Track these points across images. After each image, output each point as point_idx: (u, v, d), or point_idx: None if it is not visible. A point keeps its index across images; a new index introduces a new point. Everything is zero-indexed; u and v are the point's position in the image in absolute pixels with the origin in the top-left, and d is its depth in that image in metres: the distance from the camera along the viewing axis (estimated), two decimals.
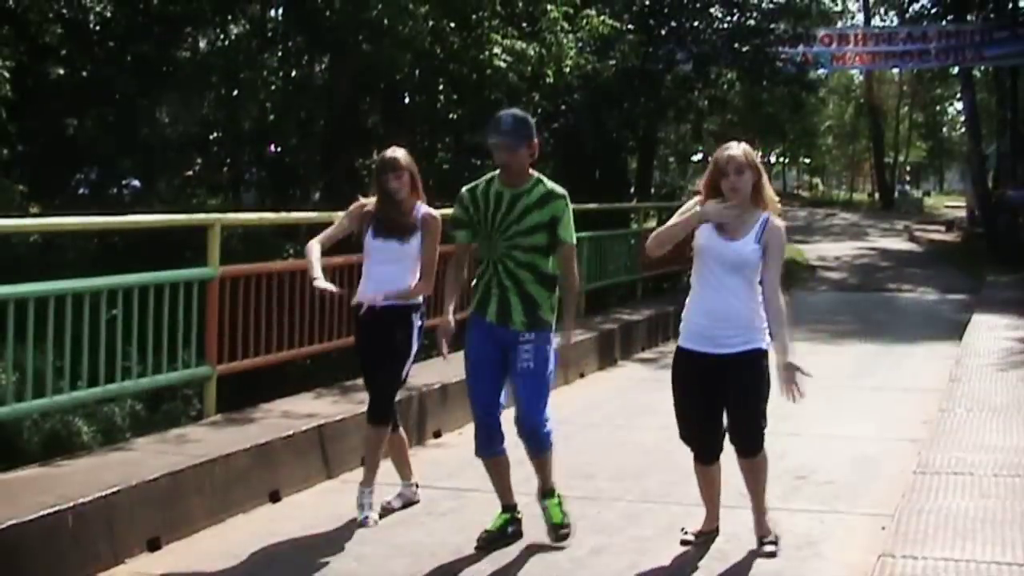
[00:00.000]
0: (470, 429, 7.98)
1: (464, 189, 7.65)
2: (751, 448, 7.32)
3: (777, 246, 7.15)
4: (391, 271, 8.15)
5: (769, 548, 7.37)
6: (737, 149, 7.09)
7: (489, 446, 7.63)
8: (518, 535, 7.68)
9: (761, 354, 7.20)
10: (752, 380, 7.19)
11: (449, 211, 8.00)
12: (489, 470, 7.74)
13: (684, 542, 7.53)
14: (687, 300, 7.36)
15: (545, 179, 7.61)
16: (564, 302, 7.76)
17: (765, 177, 7.20)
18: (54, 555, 6.68)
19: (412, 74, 18.97)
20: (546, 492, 7.77)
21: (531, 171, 7.56)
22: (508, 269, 7.46)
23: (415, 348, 8.32)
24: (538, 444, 7.62)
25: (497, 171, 7.56)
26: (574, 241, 7.62)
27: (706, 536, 7.58)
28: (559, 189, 7.58)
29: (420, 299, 8.35)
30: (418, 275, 8.21)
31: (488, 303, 7.52)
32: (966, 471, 8.50)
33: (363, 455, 8.45)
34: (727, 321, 7.13)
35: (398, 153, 8.27)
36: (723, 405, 7.28)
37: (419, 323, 8.30)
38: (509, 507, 7.76)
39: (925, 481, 8.23)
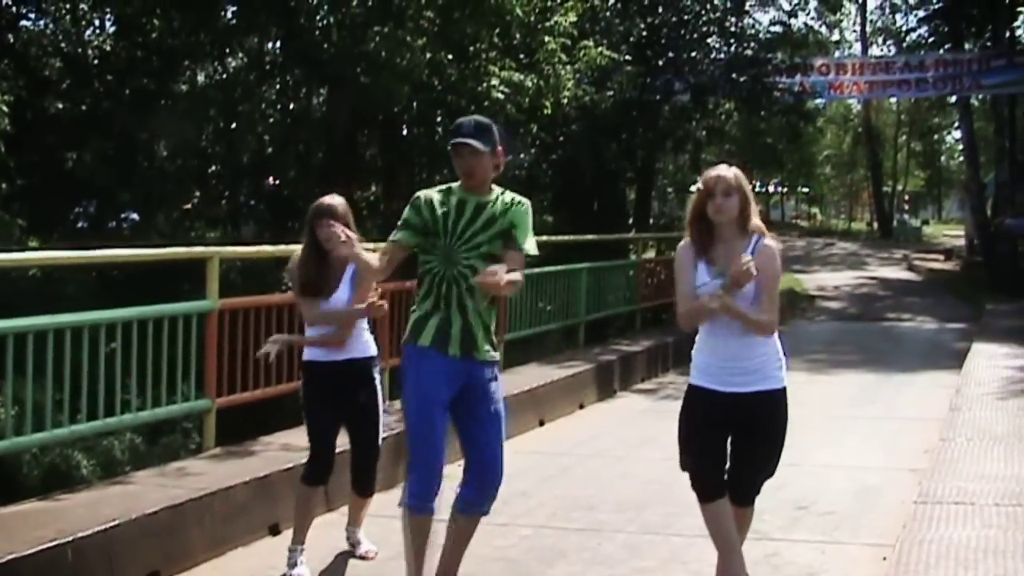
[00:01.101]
0: None
1: (421, 193, 6.78)
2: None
3: (770, 271, 6.58)
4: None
5: None
6: (727, 171, 6.67)
7: (430, 500, 6.62)
8: None
9: (781, 393, 6.75)
10: (772, 420, 6.74)
11: None
12: (419, 534, 6.65)
13: None
14: (696, 337, 6.88)
15: (513, 194, 6.82)
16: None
17: (754, 205, 6.70)
18: None
19: (410, 106, 19.00)
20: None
21: (493, 186, 6.75)
22: (469, 286, 6.51)
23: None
24: (491, 502, 6.74)
25: (456, 183, 6.76)
26: (531, 251, 6.71)
27: None
28: (521, 198, 6.82)
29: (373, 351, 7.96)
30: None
31: (448, 332, 6.57)
32: (967, 501, 8.48)
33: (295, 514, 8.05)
34: (735, 364, 6.66)
35: (336, 200, 7.72)
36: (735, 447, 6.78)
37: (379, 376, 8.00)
38: None
39: (926, 511, 8.21)
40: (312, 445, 7.90)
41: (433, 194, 6.68)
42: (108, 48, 21.09)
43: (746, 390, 6.63)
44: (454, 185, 6.71)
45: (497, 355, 6.77)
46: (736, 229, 6.64)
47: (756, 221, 6.72)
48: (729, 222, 6.63)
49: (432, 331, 6.58)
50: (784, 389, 6.71)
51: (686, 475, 7.50)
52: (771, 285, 6.62)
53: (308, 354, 7.88)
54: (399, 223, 6.68)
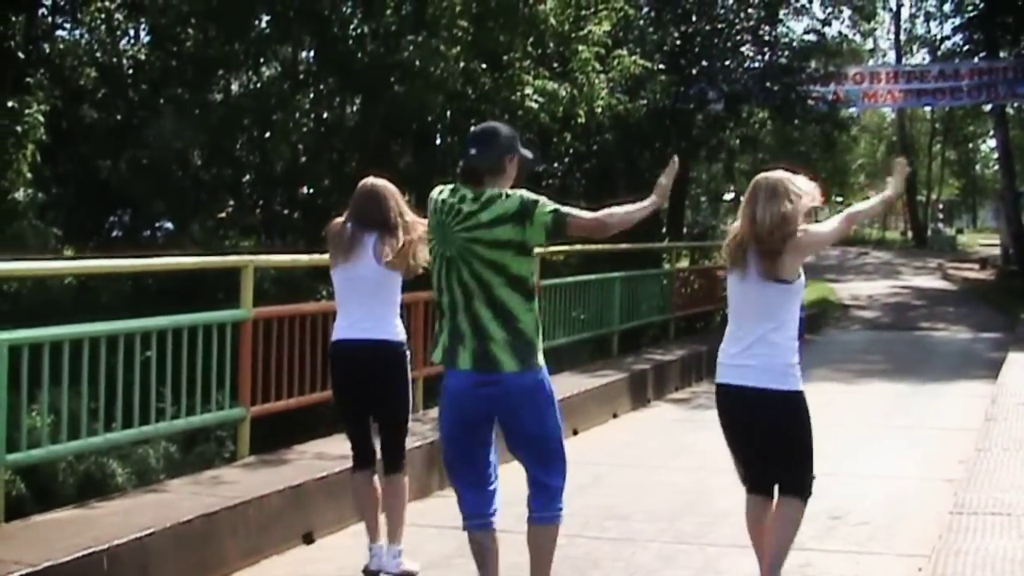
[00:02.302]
0: None
1: (438, 190, 6.60)
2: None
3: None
4: None
5: None
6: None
7: (482, 516, 6.56)
8: None
9: (787, 396, 6.77)
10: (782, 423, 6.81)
11: None
12: (478, 551, 6.60)
13: None
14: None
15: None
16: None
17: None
18: None
19: (444, 115, 18.99)
20: None
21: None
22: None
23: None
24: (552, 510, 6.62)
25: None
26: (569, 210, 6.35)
27: None
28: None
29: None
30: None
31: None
32: (1004, 511, 8.43)
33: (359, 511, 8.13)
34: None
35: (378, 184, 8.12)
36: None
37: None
38: None
39: (962, 521, 8.16)
40: (346, 430, 7.99)
41: (446, 192, 6.53)
42: (143, 58, 21.15)
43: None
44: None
45: (529, 362, 6.37)
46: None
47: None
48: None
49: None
50: (786, 392, 6.73)
51: (719, 484, 7.50)
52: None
53: (337, 333, 7.85)
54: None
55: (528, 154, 6.65)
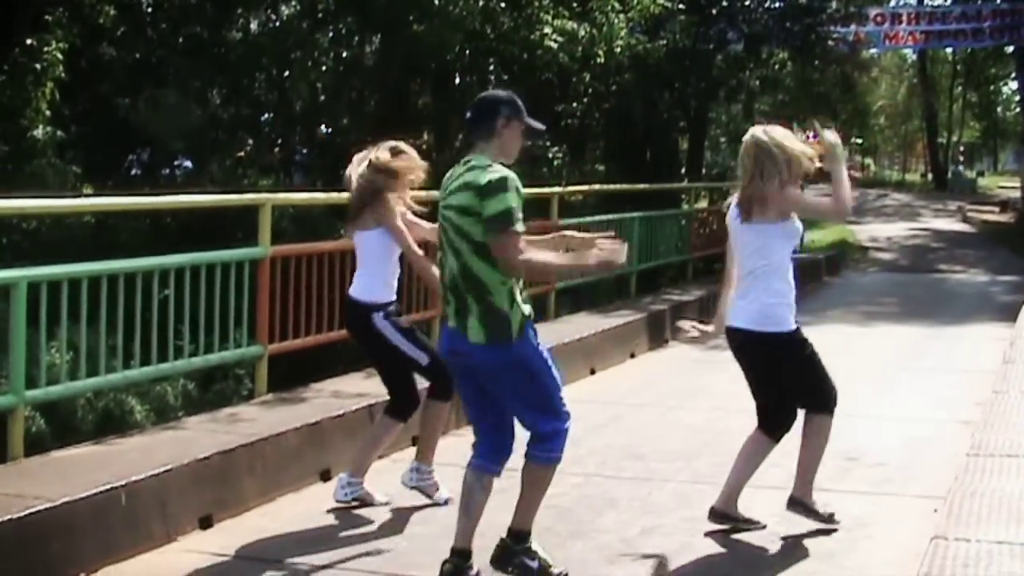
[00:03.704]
0: None
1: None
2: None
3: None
4: None
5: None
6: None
7: (487, 459, 6.52)
8: None
9: (776, 337, 7.23)
10: (799, 354, 7.29)
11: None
12: (465, 490, 6.52)
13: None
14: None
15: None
16: None
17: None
18: (107, 532, 6.73)
19: (462, 55, 18.97)
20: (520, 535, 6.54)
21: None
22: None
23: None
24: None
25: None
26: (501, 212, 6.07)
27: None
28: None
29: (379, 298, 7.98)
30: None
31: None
32: (1020, 453, 8.40)
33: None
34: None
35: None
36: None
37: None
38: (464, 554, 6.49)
39: (978, 463, 8.15)
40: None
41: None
42: None
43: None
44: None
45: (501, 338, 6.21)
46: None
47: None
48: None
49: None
50: (785, 335, 7.21)
51: (736, 425, 7.55)
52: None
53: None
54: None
55: (534, 124, 6.57)
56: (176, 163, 21.66)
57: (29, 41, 16.33)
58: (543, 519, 6.77)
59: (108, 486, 6.82)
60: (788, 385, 7.37)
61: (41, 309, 7.69)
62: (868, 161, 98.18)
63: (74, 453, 7.72)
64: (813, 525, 7.49)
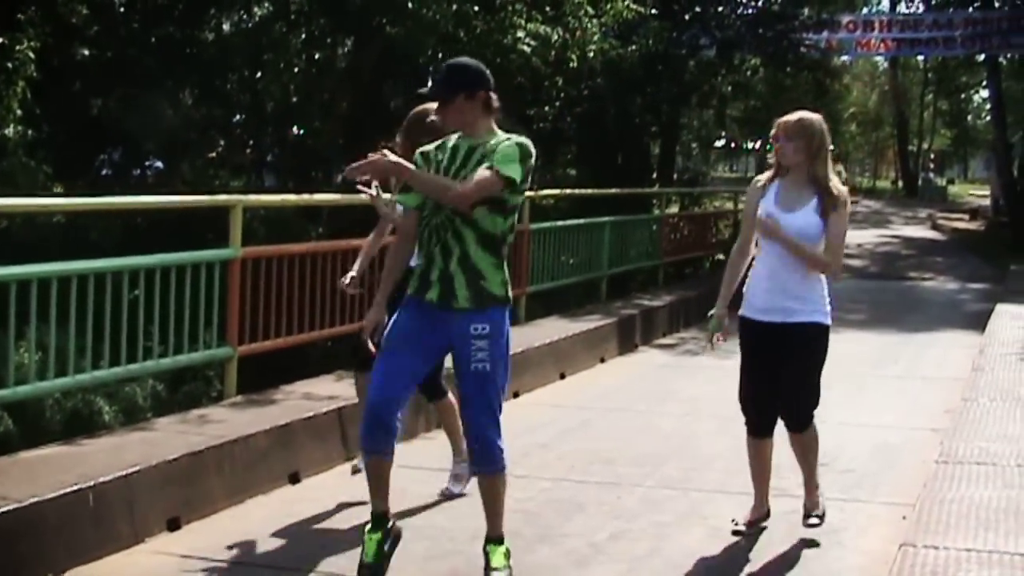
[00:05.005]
0: None
1: (419, 150, 6.53)
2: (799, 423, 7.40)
3: (833, 227, 7.07)
4: None
5: (812, 520, 7.47)
6: (795, 116, 7.13)
7: (373, 441, 6.39)
8: (396, 541, 6.59)
9: (818, 328, 7.27)
10: (807, 353, 7.27)
11: None
12: (368, 470, 6.53)
13: (736, 532, 7.44)
14: (750, 271, 7.38)
15: (513, 135, 6.40)
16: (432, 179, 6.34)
17: (825, 158, 7.10)
18: (74, 533, 6.69)
19: (436, 57, 18.92)
20: (492, 537, 6.54)
21: (495, 128, 6.40)
22: (455, 228, 6.24)
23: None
24: (488, 459, 6.42)
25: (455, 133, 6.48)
26: (505, 172, 6.12)
27: (756, 525, 7.53)
28: (519, 137, 6.33)
29: None
30: None
31: (428, 279, 6.31)
32: (989, 461, 8.46)
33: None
34: (785, 292, 7.14)
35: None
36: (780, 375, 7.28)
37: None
38: (381, 518, 6.50)
39: (947, 470, 8.19)
40: None
41: (430, 148, 6.47)
42: None
43: (789, 320, 7.15)
44: (453, 135, 6.45)
45: (490, 304, 6.28)
46: (803, 176, 7.10)
47: (829, 176, 7.12)
48: (794, 167, 7.09)
49: (415, 279, 6.40)
50: (820, 325, 7.25)
51: (705, 430, 7.57)
52: (833, 233, 7.06)
53: None
54: (401, 188, 6.56)
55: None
56: (147, 163, 21.62)
57: (1, 40, 16.25)
58: (512, 523, 6.77)
59: (76, 487, 6.78)
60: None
61: (10, 309, 7.66)
62: (839, 168, 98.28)
63: (42, 453, 7.68)
64: (782, 531, 7.51)
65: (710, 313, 7.41)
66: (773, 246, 7.09)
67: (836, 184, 7.10)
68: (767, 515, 7.58)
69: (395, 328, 6.39)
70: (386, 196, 7.24)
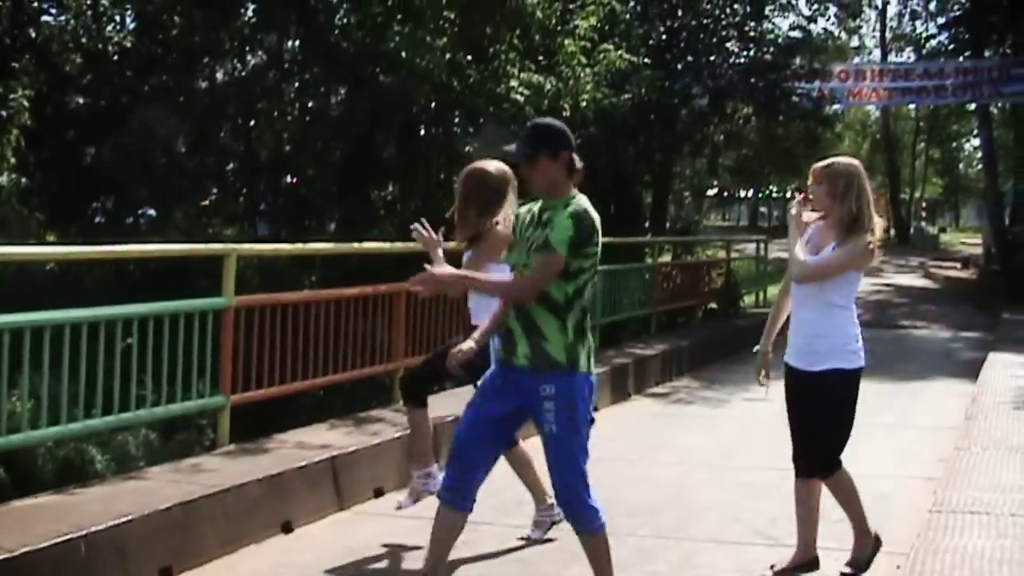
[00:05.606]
0: None
1: (514, 212, 6.78)
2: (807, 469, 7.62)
3: (837, 253, 7.23)
4: None
5: (845, 570, 7.62)
6: (826, 162, 7.40)
7: (457, 494, 6.46)
8: None
9: (838, 375, 7.50)
10: (819, 401, 7.48)
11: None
12: (439, 525, 6.51)
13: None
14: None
15: (582, 199, 6.40)
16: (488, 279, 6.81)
17: (851, 195, 7.19)
18: None
19: (428, 106, 18.96)
20: None
21: (573, 190, 6.39)
22: None
23: None
24: (579, 520, 6.51)
25: None
26: (559, 251, 6.15)
27: (799, 569, 7.59)
28: (579, 204, 6.33)
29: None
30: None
31: (503, 335, 6.39)
32: (983, 510, 8.44)
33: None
34: (806, 339, 7.34)
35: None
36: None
37: None
38: None
39: (941, 520, 8.18)
40: None
41: (522, 210, 6.56)
42: (129, 44, 21.07)
43: (809, 369, 7.37)
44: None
45: (551, 369, 6.23)
46: (833, 219, 7.25)
47: (858, 219, 7.24)
48: (823, 211, 7.31)
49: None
50: (840, 371, 7.52)
51: (698, 479, 7.54)
52: (824, 256, 7.25)
53: None
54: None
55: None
56: (140, 211, 21.62)
57: None
58: (508, 572, 6.75)
59: (68, 536, 6.76)
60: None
61: (3, 357, 7.64)
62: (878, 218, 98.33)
63: (33, 503, 7.66)
64: None
65: (754, 349, 7.52)
66: (800, 288, 7.18)
67: (862, 227, 7.22)
68: (816, 562, 7.61)
69: (487, 378, 6.56)
70: None
